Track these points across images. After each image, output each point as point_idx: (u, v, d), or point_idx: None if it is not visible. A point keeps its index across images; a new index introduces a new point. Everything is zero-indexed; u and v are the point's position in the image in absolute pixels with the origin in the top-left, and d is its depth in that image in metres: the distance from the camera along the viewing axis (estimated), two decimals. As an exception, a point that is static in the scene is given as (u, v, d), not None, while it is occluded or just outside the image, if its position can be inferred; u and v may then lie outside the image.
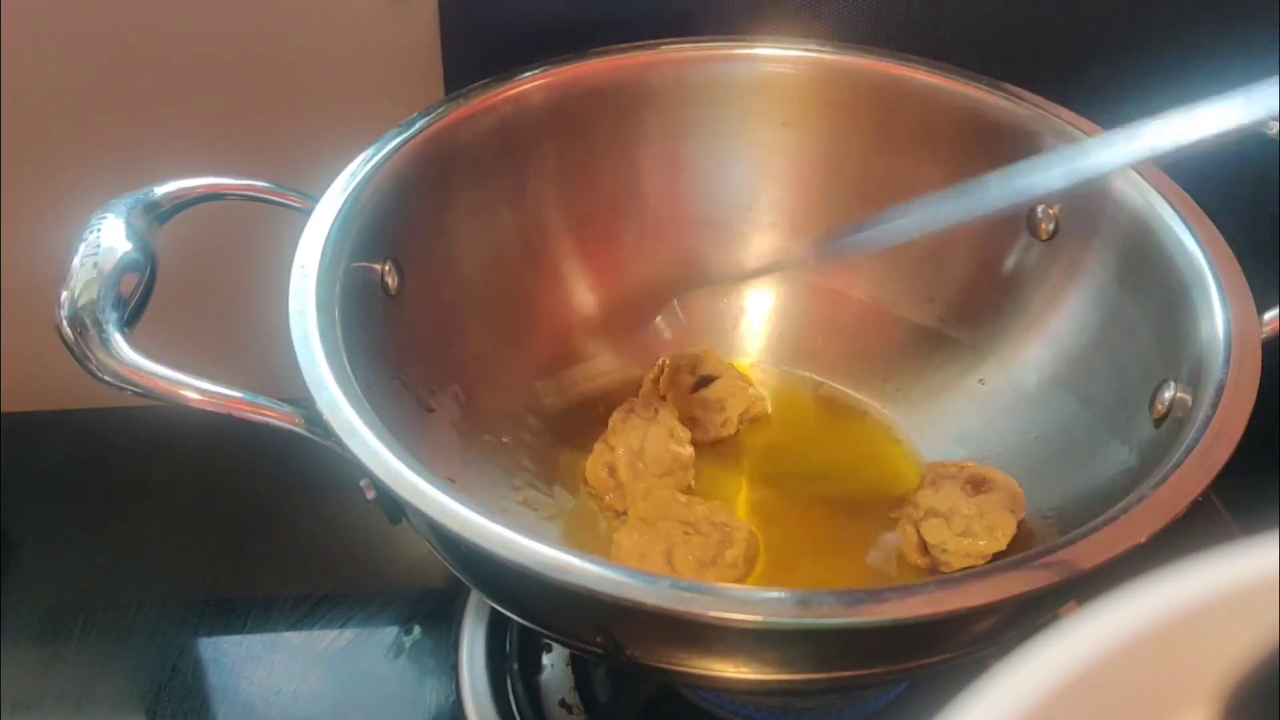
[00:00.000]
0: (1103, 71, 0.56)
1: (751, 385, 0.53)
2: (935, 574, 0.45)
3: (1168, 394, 0.40)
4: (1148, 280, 0.44)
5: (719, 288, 0.55)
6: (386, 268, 0.45)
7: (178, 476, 0.61)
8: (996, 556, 0.44)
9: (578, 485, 0.50)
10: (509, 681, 0.49)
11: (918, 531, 0.45)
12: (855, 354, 0.55)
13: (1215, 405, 0.36)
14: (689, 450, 0.49)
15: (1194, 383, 0.39)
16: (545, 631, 0.43)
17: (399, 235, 0.45)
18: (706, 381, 0.52)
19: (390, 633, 0.53)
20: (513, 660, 0.49)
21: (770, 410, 0.53)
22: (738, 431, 0.52)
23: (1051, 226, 0.49)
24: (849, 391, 0.54)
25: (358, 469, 0.34)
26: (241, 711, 0.50)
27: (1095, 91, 0.50)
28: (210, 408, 0.35)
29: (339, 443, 0.34)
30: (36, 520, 0.58)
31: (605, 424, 0.50)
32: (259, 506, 0.59)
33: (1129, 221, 0.45)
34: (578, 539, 0.48)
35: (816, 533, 0.48)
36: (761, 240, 0.55)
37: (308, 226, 0.42)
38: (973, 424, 0.51)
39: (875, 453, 0.52)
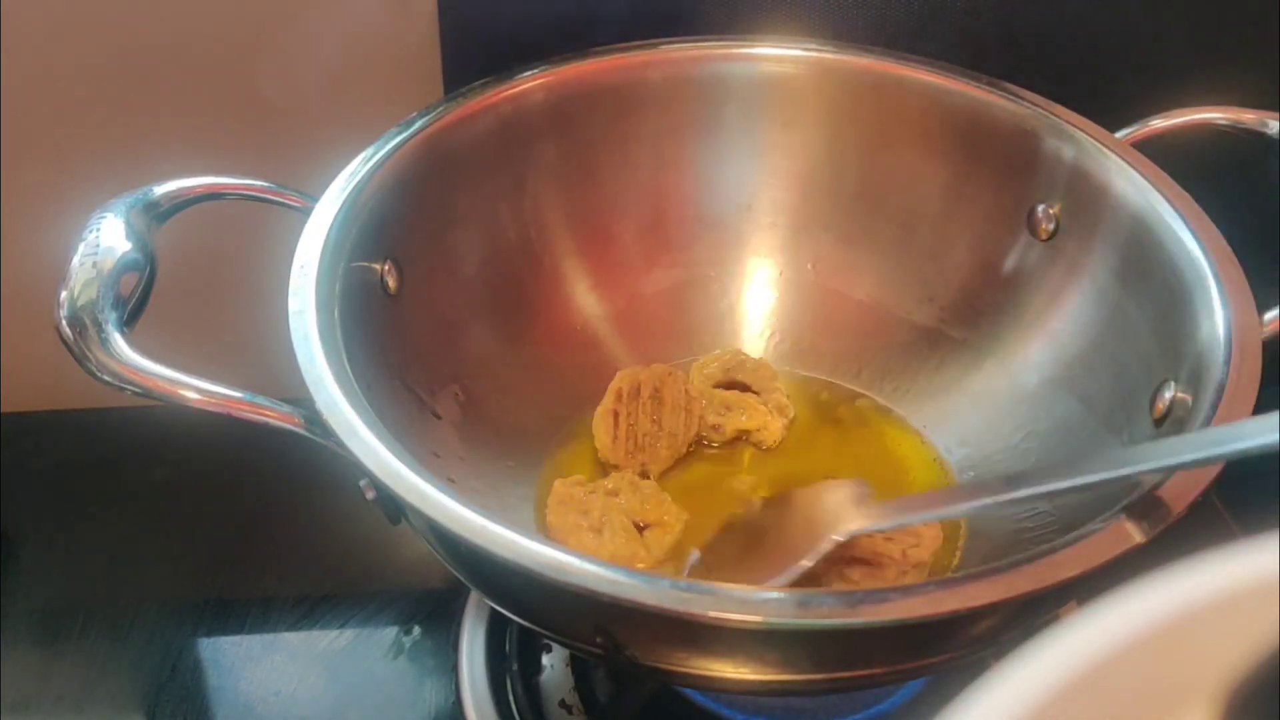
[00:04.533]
0: (1103, 71, 0.56)
1: (773, 417, 0.51)
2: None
3: (1168, 394, 0.40)
4: (1148, 280, 0.44)
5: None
6: (386, 268, 0.45)
7: (178, 476, 0.61)
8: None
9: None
10: (509, 682, 0.49)
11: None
12: (855, 354, 0.55)
13: (1215, 405, 0.36)
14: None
15: (1194, 383, 0.39)
16: (545, 631, 0.43)
17: (399, 235, 0.45)
18: (734, 386, 0.52)
19: (390, 633, 0.53)
20: (512, 661, 0.49)
21: (776, 443, 0.52)
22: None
23: (1051, 226, 0.49)
24: (852, 389, 0.54)
25: (358, 469, 0.34)
26: (241, 712, 0.50)
27: (1095, 91, 0.50)
28: (210, 408, 0.35)
29: (339, 443, 0.34)
30: (36, 520, 0.58)
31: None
32: (259, 506, 0.59)
33: (1129, 221, 0.45)
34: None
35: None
36: (761, 240, 0.55)
37: (307, 226, 0.42)
38: (973, 424, 0.51)
39: (883, 453, 0.52)
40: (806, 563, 0.40)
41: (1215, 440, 0.32)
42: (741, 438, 0.52)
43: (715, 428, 0.51)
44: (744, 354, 0.54)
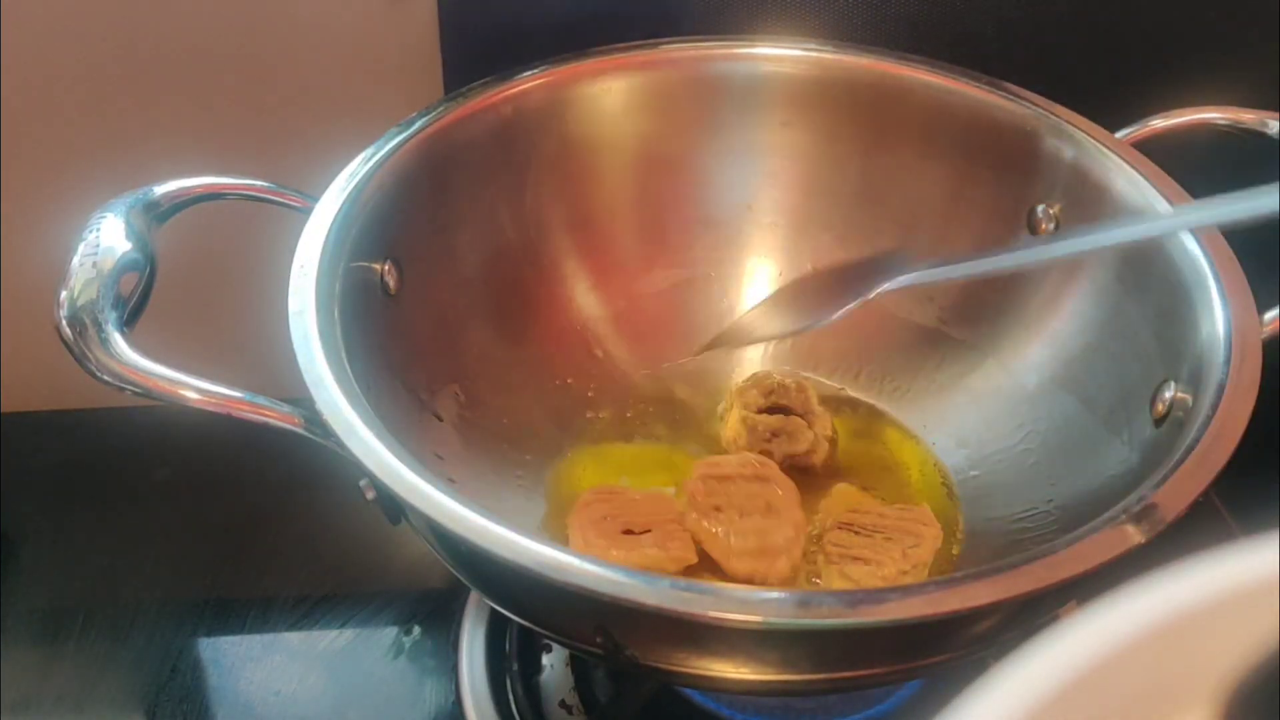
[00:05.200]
0: (1103, 71, 0.56)
1: (820, 439, 0.50)
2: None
3: (1168, 394, 0.40)
4: (1148, 280, 0.44)
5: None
6: (386, 268, 0.45)
7: (178, 476, 0.61)
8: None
9: (576, 485, 0.50)
10: (509, 682, 0.49)
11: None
12: (855, 354, 0.55)
13: (1215, 405, 0.36)
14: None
15: (1194, 383, 0.39)
16: (545, 631, 0.43)
17: (399, 235, 0.45)
18: (778, 410, 0.51)
19: (390, 633, 0.53)
20: (512, 661, 0.49)
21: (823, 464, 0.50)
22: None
23: (1051, 226, 0.49)
24: (851, 393, 0.54)
25: (358, 469, 0.34)
26: (241, 711, 0.50)
27: (1095, 91, 0.50)
28: (210, 408, 0.35)
29: (339, 443, 0.34)
30: (36, 520, 0.58)
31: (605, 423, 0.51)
32: (259, 506, 0.59)
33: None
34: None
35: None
36: (761, 240, 0.55)
37: (307, 226, 0.42)
38: (973, 424, 0.51)
39: (883, 454, 0.52)
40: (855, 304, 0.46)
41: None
42: (790, 461, 0.49)
43: (766, 454, 0.49)
44: (775, 375, 0.52)
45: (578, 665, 0.50)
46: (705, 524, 0.44)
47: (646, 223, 0.55)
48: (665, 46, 0.52)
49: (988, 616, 0.33)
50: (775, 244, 0.55)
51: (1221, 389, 0.37)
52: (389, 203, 0.45)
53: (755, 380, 0.52)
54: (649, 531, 0.44)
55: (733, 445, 0.50)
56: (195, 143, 0.55)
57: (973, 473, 0.50)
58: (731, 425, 0.51)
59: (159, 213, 0.41)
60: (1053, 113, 0.49)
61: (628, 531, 0.44)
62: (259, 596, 0.55)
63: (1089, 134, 0.47)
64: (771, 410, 0.51)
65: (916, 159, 0.52)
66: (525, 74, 0.50)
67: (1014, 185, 0.50)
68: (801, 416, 0.51)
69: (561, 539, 0.46)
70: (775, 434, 0.50)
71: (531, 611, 0.38)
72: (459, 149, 0.48)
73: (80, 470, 0.61)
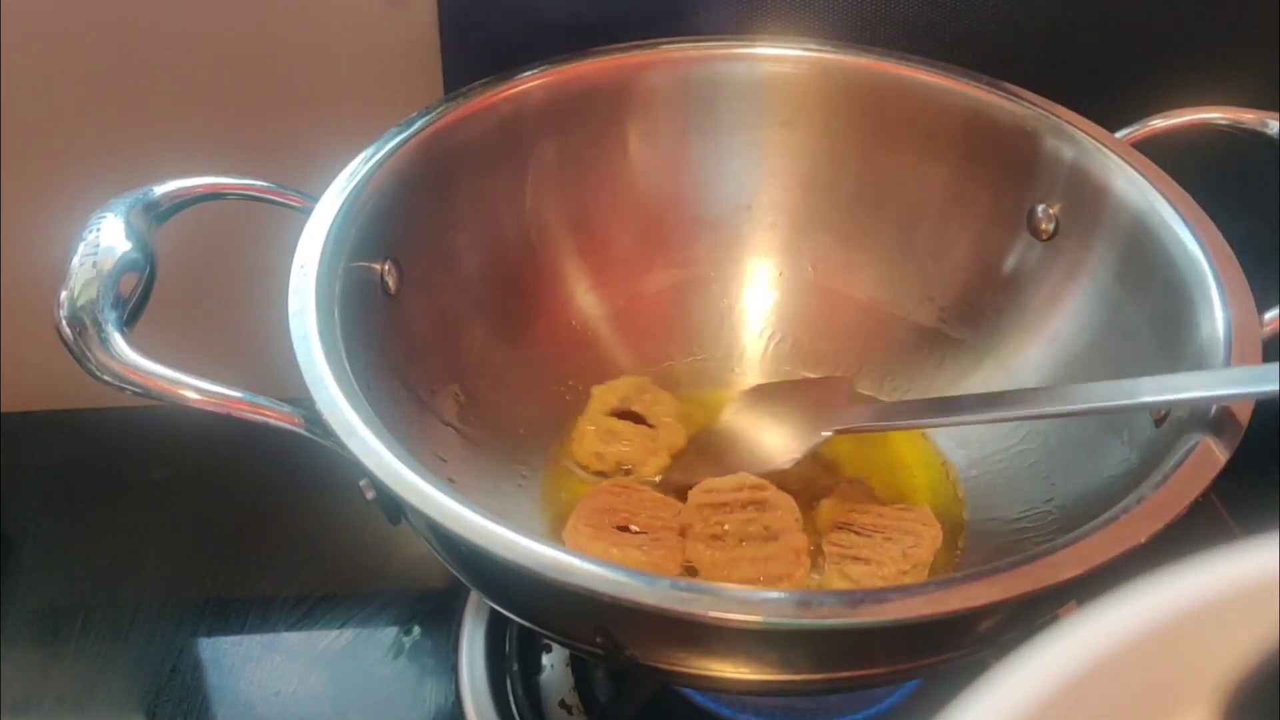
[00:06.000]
0: (1103, 71, 0.56)
1: (656, 454, 0.50)
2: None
3: (1168, 394, 0.40)
4: (1148, 280, 0.44)
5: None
6: (386, 268, 0.45)
7: (178, 476, 0.61)
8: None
9: (576, 485, 0.50)
10: (509, 682, 0.49)
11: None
12: (855, 354, 0.55)
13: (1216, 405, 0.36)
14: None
15: (1194, 383, 0.39)
16: (545, 632, 0.43)
17: (399, 235, 0.45)
18: (628, 416, 0.51)
19: (390, 633, 0.53)
20: (512, 661, 0.49)
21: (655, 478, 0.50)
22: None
23: (1052, 227, 0.49)
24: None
25: (357, 469, 0.34)
26: (241, 711, 0.50)
27: (1095, 91, 0.50)
28: (210, 408, 0.35)
29: (339, 443, 0.34)
30: (36, 520, 0.58)
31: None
32: (259, 506, 0.59)
33: (1129, 221, 0.45)
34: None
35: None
36: (761, 240, 0.55)
37: (307, 226, 0.42)
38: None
39: (886, 453, 0.52)
40: (795, 456, 0.46)
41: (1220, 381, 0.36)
42: (621, 469, 0.50)
43: (598, 456, 0.50)
44: (648, 385, 0.52)
45: (578, 665, 0.50)
46: (706, 552, 0.44)
47: (646, 223, 0.55)
48: (665, 46, 0.52)
49: (988, 616, 0.33)
50: (775, 244, 0.55)
51: (1222, 389, 0.37)
52: (389, 203, 0.45)
53: (625, 382, 0.52)
54: (645, 533, 0.44)
55: (579, 449, 0.50)
56: (195, 143, 0.55)
57: (972, 473, 0.50)
58: (579, 428, 0.51)
59: (159, 213, 0.41)
60: (1053, 113, 0.49)
61: (624, 529, 0.44)
62: (259, 596, 0.55)
63: (1089, 134, 0.47)
64: (624, 415, 0.51)
65: (916, 159, 0.52)
66: (525, 74, 0.50)
67: (1014, 185, 0.50)
68: (651, 427, 0.50)
69: (558, 537, 0.46)
70: (614, 435, 0.50)
71: (531, 611, 0.38)
72: (459, 149, 0.48)
73: (80, 470, 0.61)
